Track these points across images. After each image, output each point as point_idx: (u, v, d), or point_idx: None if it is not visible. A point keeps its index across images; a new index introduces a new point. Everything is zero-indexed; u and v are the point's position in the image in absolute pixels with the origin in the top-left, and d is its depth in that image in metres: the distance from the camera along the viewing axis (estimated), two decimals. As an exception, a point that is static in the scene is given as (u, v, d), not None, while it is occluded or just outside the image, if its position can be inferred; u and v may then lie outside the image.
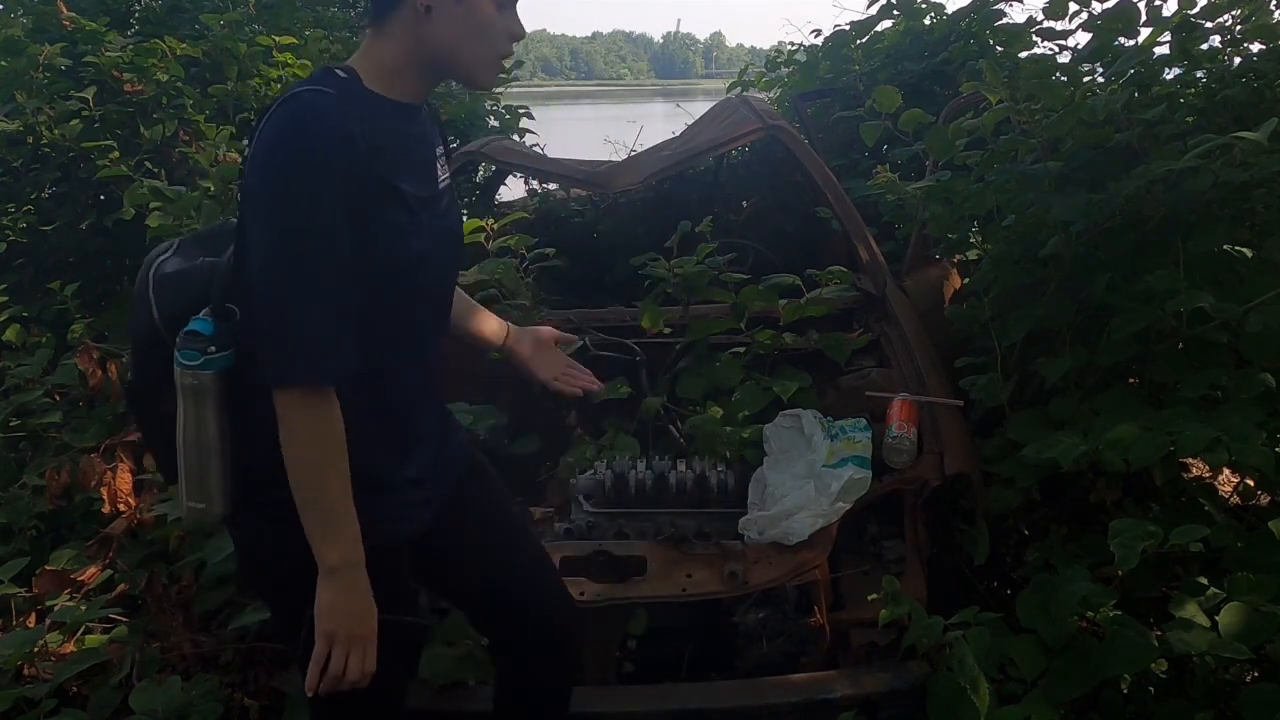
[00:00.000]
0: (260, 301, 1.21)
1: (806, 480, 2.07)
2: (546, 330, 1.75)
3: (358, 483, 1.26)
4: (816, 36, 5.11)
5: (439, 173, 1.41)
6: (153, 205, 3.02)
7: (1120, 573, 1.77)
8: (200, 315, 1.28)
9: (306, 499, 1.23)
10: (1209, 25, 2.24)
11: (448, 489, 1.49)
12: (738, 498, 2.20)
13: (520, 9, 1.35)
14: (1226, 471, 2.36)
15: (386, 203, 1.27)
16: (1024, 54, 3.82)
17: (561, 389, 1.70)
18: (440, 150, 1.43)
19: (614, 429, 2.47)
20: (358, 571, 1.25)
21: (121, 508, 2.42)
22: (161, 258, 1.38)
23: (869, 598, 1.95)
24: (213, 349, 1.26)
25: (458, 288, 1.56)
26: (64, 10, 3.82)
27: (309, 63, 4.31)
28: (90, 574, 2.29)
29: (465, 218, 1.57)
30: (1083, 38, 2.42)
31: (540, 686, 1.66)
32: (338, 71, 1.28)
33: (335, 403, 1.23)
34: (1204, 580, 1.85)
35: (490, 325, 1.70)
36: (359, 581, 1.25)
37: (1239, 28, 2.24)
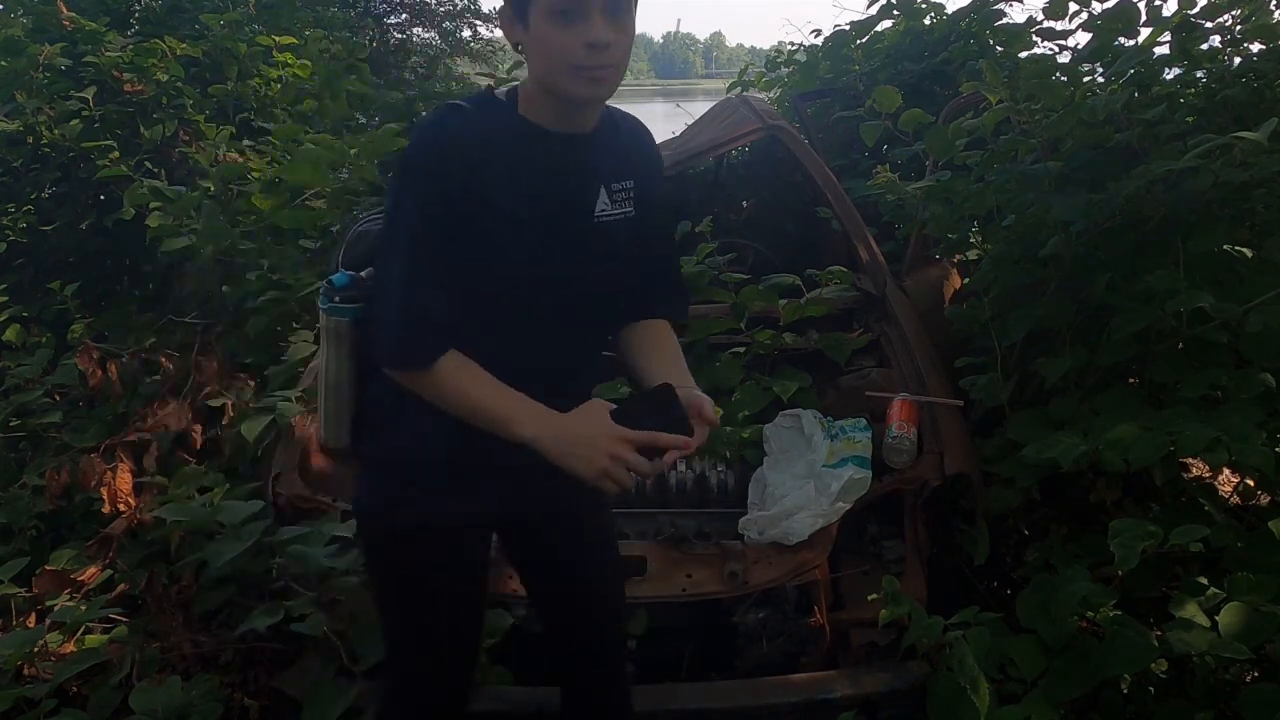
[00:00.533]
0: (375, 282, 1.44)
1: (806, 480, 2.07)
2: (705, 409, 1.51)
3: (428, 457, 1.46)
4: (816, 36, 5.12)
5: (589, 201, 1.49)
6: (153, 205, 3.02)
7: (1120, 573, 1.77)
8: (344, 270, 1.50)
9: (476, 419, 1.40)
10: (1209, 25, 2.24)
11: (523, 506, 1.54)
12: (738, 498, 2.20)
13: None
14: (1226, 471, 2.36)
15: (477, 212, 1.39)
16: (1024, 54, 3.81)
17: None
18: (618, 184, 1.51)
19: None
20: (556, 425, 1.36)
21: (121, 508, 2.42)
22: (369, 216, 1.61)
23: (869, 598, 1.95)
24: (337, 299, 1.49)
25: (664, 335, 1.61)
26: (64, 10, 3.82)
27: (309, 63, 4.31)
28: (90, 574, 2.29)
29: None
30: (1083, 38, 2.43)
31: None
32: (497, 92, 1.47)
33: (442, 367, 1.39)
34: (1204, 580, 1.85)
35: (655, 375, 1.53)
36: (564, 428, 1.36)
37: (1239, 28, 2.24)
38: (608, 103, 1.52)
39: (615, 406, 1.36)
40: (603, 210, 1.50)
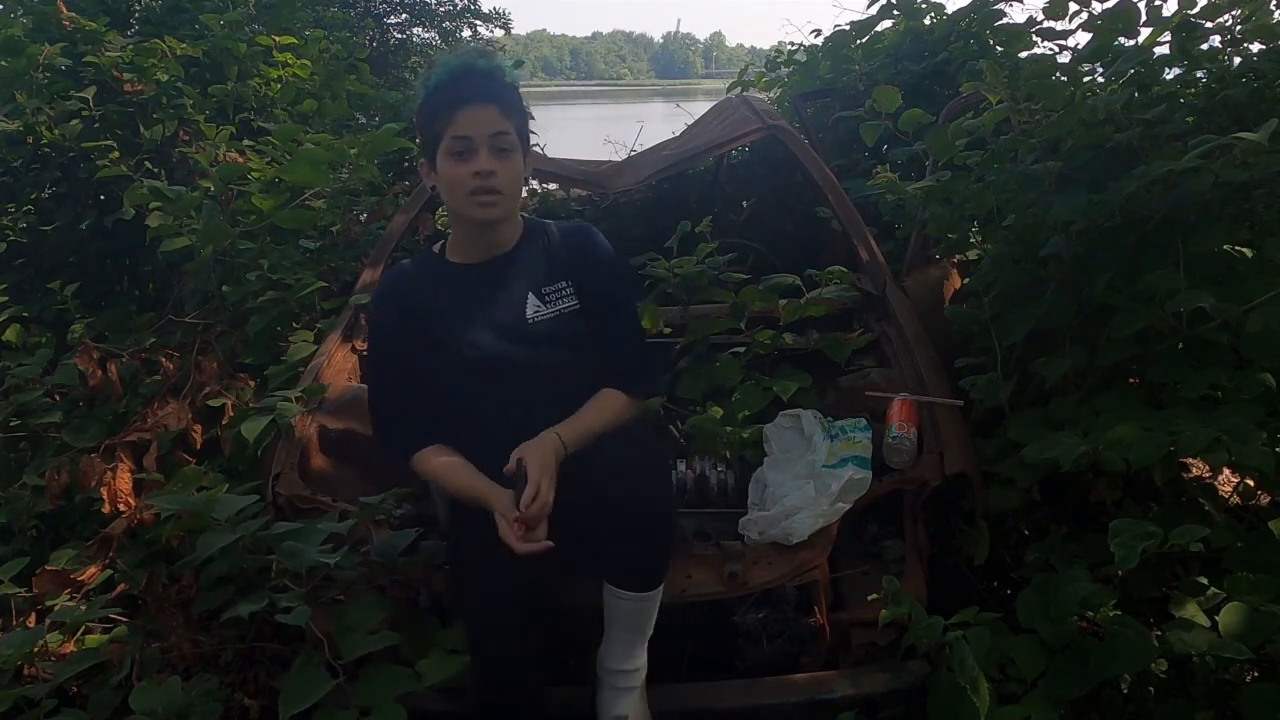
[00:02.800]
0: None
1: (806, 480, 2.07)
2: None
3: None
4: (816, 36, 5.12)
5: (518, 307, 1.85)
6: (153, 205, 3.02)
7: (1120, 573, 1.77)
8: None
9: (459, 498, 1.81)
10: (1209, 25, 2.23)
11: None
12: (738, 498, 2.20)
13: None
14: (1226, 471, 2.36)
15: (420, 336, 1.85)
16: (1024, 54, 3.81)
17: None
18: (549, 286, 1.87)
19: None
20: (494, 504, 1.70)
21: (121, 508, 2.42)
22: None
23: (869, 598, 1.95)
24: None
25: (597, 399, 1.86)
26: (64, 10, 3.81)
27: (309, 63, 4.31)
28: (90, 574, 2.28)
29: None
30: (1083, 38, 2.42)
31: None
32: (434, 247, 1.95)
33: (421, 458, 1.85)
34: (1204, 580, 1.85)
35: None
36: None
37: (1239, 28, 2.23)
38: (545, 220, 1.96)
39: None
40: (535, 313, 1.85)
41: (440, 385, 1.85)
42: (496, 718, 1.76)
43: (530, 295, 1.86)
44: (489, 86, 1.76)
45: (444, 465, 1.81)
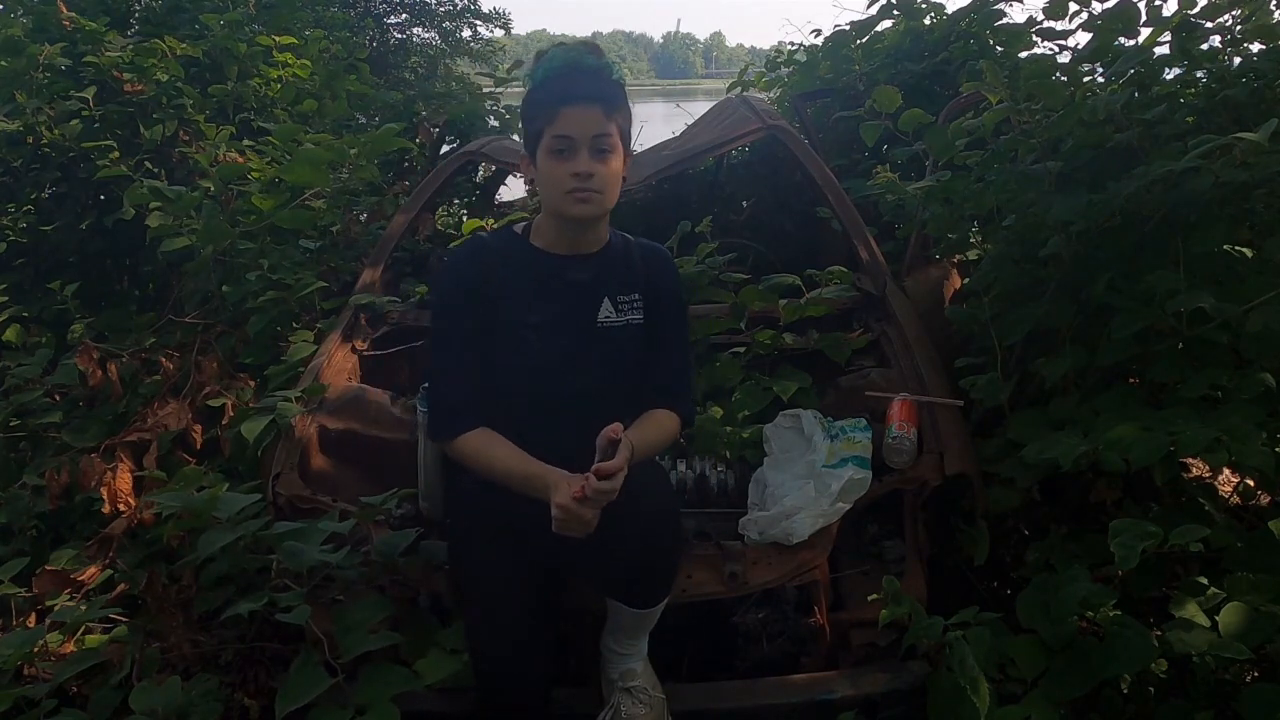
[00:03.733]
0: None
1: (806, 480, 2.07)
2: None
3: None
4: (816, 36, 5.12)
5: (591, 309, 1.84)
6: (153, 205, 3.02)
7: (1120, 573, 1.77)
8: None
9: (500, 482, 1.74)
10: (1209, 25, 2.23)
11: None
12: (738, 498, 2.20)
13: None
14: (1226, 471, 2.36)
15: (489, 315, 1.80)
16: (1024, 54, 3.81)
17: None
18: (624, 296, 1.86)
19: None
20: (550, 490, 1.62)
21: (121, 508, 2.42)
22: None
23: (869, 598, 1.95)
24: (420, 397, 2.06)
25: (650, 416, 1.85)
26: (64, 10, 3.81)
27: (309, 63, 4.31)
28: (90, 574, 2.28)
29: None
30: (1083, 38, 2.42)
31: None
32: (516, 227, 1.91)
33: (465, 440, 1.77)
34: (1204, 580, 1.85)
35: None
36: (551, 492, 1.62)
37: (1239, 28, 2.23)
38: (628, 234, 1.94)
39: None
40: (606, 318, 1.84)
41: (491, 368, 1.82)
42: (498, 716, 1.76)
43: (606, 299, 1.85)
44: (594, 86, 1.73)
45: (492, 448, 1.76)
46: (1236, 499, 2.24)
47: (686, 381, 1.96)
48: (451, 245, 1.73)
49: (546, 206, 1.80)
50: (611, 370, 1.85)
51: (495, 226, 1.94)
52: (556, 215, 1.78)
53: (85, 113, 3.58)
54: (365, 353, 2.70)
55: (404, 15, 14.19)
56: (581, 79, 1.73)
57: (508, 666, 1.72)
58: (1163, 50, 2.27)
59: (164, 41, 3.76)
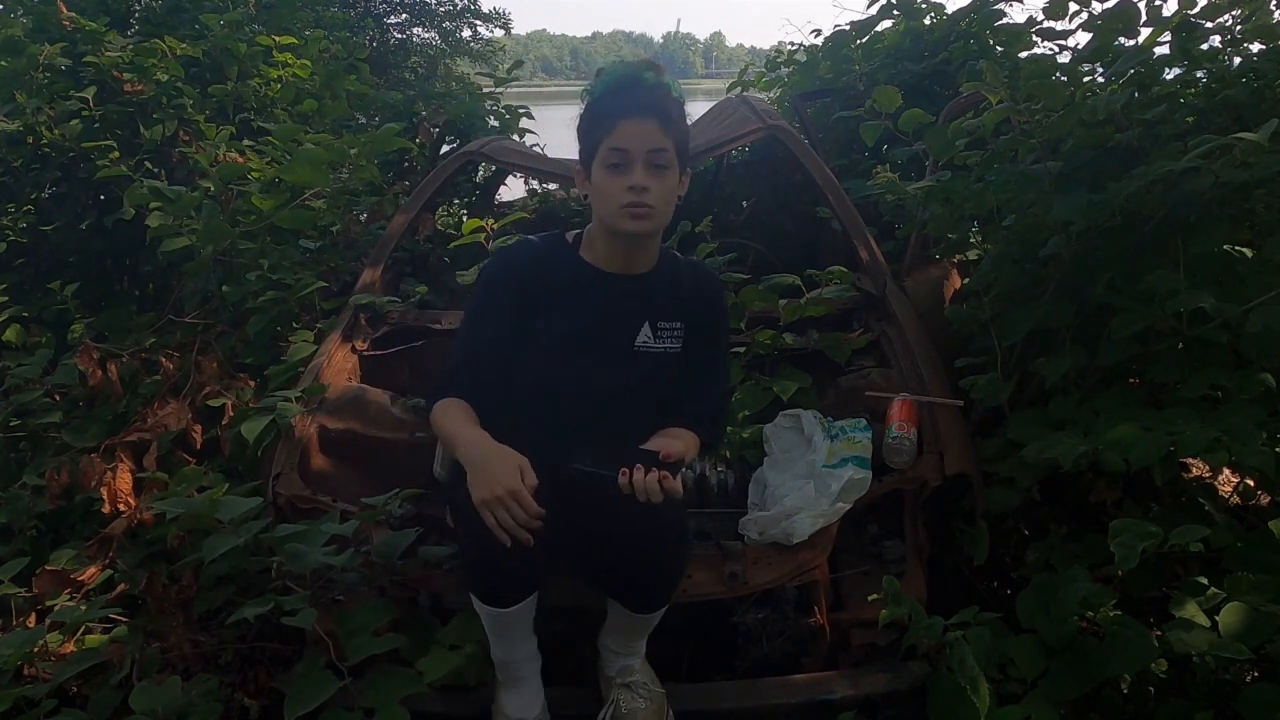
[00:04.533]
0: None
1: (806, 480, 2.07)
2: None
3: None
4: (816, 36, 5.12)
5: (630, 331, 1.81)
6: (153, 205, 3.02)
7: (1120, 573, 1.77)
8: None
9: (445, 443, 1.80)
10: (1209, 25, 2.23)
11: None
12: (738, 498, 2.20)
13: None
14: (1226, 471, 2.36)
15: (525, 318, 1.78)
16: (1024, 54, 3.81)
17: None
18: (665, 323, 1.83)
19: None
20: (480, 452, 1.59)
21: (121, 508, 2.42)
22: None
23: (869, 598, 1.95)
24: None
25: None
26: (64, 10, 3.81)
27: (309, 63, 4.31)
28: (90, 574, 2.28)
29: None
30: (1083, 38, 2.42)
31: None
32: (567, 235, 1.88)
33: (436, 405, 1.76)
34: (1204, 580, 1.85)
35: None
36: (485, 458, 1.57)
37: (1239, 28, 2.24)
38: (678, 253, 1.92)
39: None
40: (644, 342, 1.82)
41: (517, 371, 1.79)
42: (486, 595, 1.72)
43: (646, 324, 1.83)
44: (653, 100, 1.71)
45: (448, 410, 1.73)
46: (1236, 499, 2.24)
47: (719, 410, 1.92)
48: (497, 243, 1.72)
49: (599, 220, 1.77)
50: (639, 395, 1.83)
51: (537, 234, 1.93)
52: (609, 230, 1.75)
53: (85, 113, 3.58)
54: (365, 353, 2.70)
55: (404, 15, 14.20)
56: (640, 93, 1.71)
57: (498, 555, 1.64)
58: (1163, 50, 2.27)
59: (164, 41, 3.76)
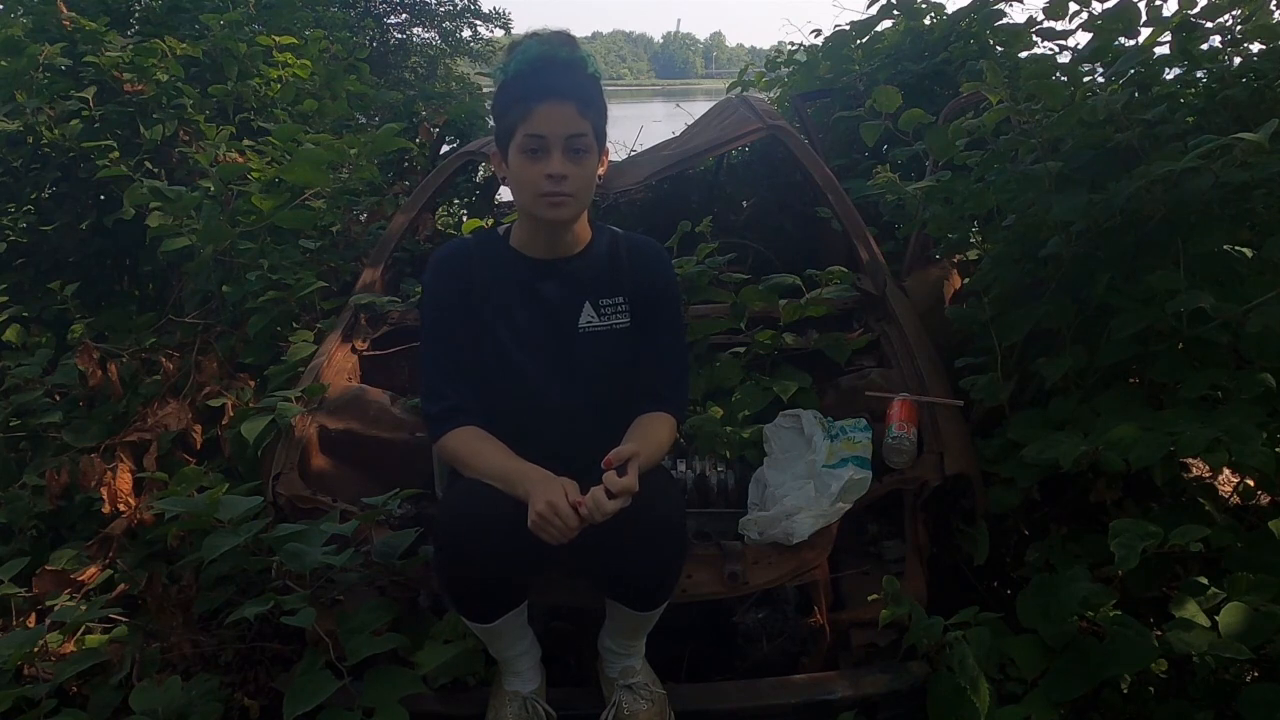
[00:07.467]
0: None
1: (806, 480, 2.07)
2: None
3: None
4: (816, 36, 5.12)
5: (572, 314, 1.80)
6: (153, 205, 3.02)
7: (1120, 573, 1.77)
8: None
9: (486, 479, 1.67)
10: (1209, 25, 2.24)
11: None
12: (738, 498, 2.20)
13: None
14: (1226, 471, 2.36)
15: (469, 318, 1.78)
16: (1024, 54, 3.81)
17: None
18: (607, 300, 1.81)
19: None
20: (529, 489, 1.58)
21: (121, 508, 2.42)
22: None
23: (869, 598, 1.95)
24: None
25: (646, 421, 1.81)
26: (64, 10, 3.81)
27: (309, 63, 4.31)
28: (90, 574, 2.28)
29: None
30: (1083, 38, 2.42)
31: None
32: (499, 229, 1.87)
33: (452, 437, 1.75)
34: (1204, 580, 1.85)
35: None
36: (529, 491, 1.58)
37: (1239, 28, 2.24)
38: (617, 229, 1.89)
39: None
40: (588, 323, 1.81)
41: (478, 374, 1.80)
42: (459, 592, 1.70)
43: (586, 304, 1.81)
44: (569, 81, 1.66)
45: (477, 447, 1.72)
46: (1236, 499, 2.24)
47: (679, 381, 1.90)
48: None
49: (519, 207, 1.76)
50: (597, 377, 1.82)
51: (490, 226, 1.91)
52: (530, 217, 1.75)
53: (85, 113, 3.58)
54: (365, 353, 2.70)
55: (404, 15, 14.19)
56: (556, 73, 1.66)
57: (476, 577, 1.65)
58: (1163, 50, 2.28)
59: (164, 41, 3.76)
